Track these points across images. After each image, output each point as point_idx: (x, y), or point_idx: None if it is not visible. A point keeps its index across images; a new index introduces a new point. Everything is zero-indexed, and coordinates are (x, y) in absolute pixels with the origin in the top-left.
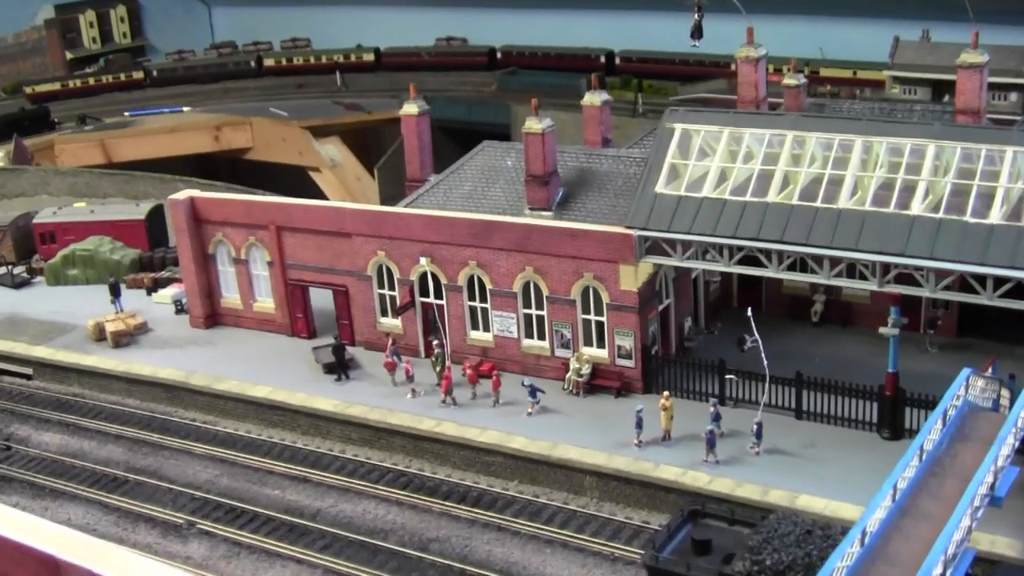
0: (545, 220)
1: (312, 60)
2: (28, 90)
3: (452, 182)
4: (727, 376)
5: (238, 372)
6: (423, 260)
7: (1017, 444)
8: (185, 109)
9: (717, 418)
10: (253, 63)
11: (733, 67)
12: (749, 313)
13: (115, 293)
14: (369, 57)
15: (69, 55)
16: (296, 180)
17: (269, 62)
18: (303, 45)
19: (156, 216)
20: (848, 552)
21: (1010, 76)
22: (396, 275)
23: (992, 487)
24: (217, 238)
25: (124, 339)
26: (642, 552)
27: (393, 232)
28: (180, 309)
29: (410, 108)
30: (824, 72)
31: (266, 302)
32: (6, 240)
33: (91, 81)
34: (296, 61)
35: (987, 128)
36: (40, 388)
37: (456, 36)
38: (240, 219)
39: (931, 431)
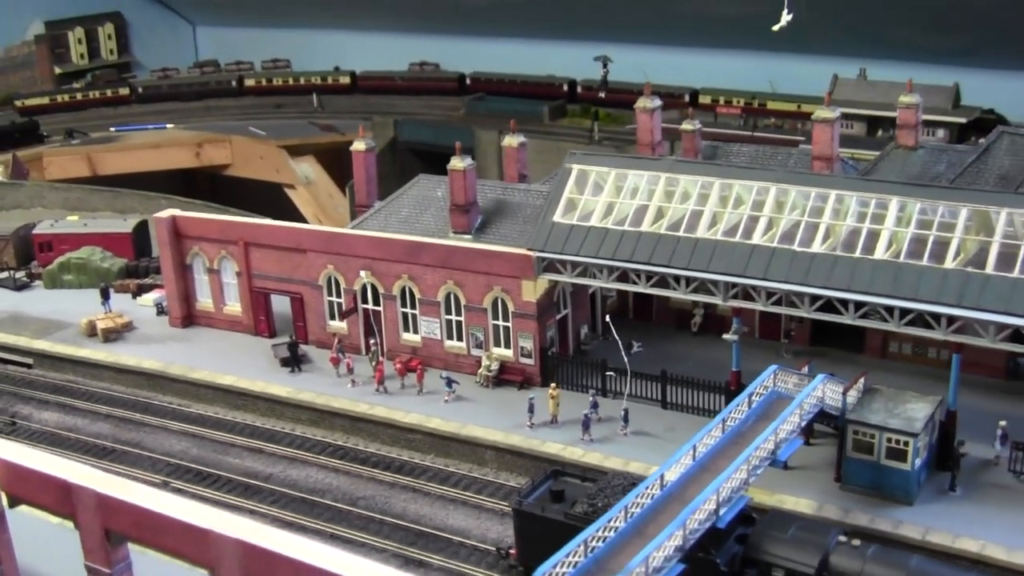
0: (465, 242)
1: (291, 81)
2: (18, 103)
3: (392, 208)
4: (607, 373)
5: (209, 364)
6: (363, 273)
7: (804, 423)
8: (168, 126)
9: (595, 406)
10: (234, 83)
11: (687, 98)
12: (608, 319)
13: (105, 296)
14: (345, 80)
15: (58, 70)
16: (272, 196)
17: (250, 82)
18: (283, 66)
19: (141, 229)
20: (646, 492)
21: (938, 114)
22: (342, 285)
23: (774, 452)
24: (194, 251)
25: (113, 335)
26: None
27: (341, 249)
28: (161, 311)
29: (359, 145)
30: (771, 105)
31: (234, 306)
32: (8, 248)
33: (79, 96)
34: (276, 82)
35: (818, 175)
36: (40, 375)
37: (429, 61)
38: (214, 235)
39: (734, 410)
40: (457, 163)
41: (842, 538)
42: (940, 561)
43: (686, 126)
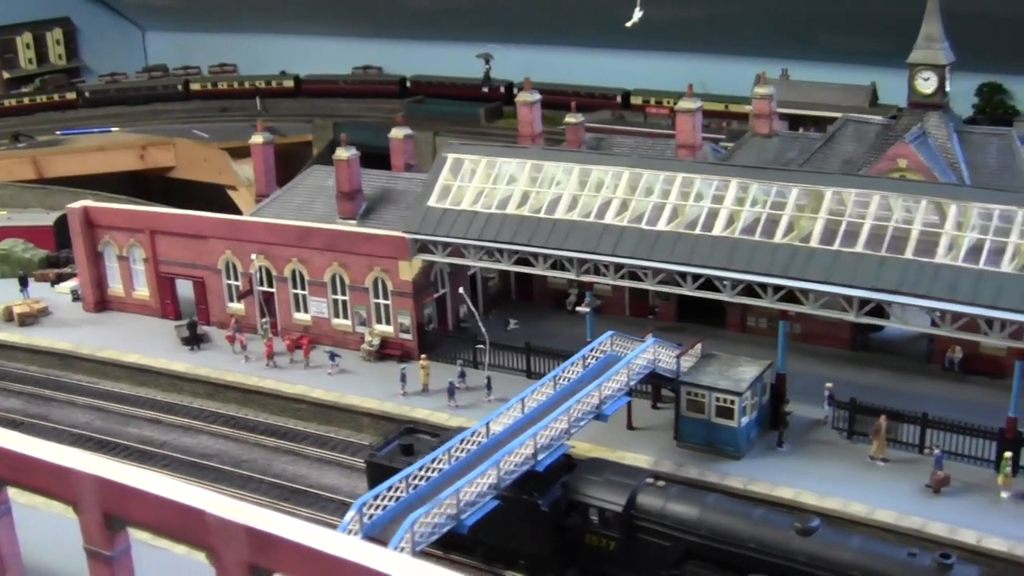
0: (349, 226)
1: (236, 85)
2: None
3: (287, 197)
4: (477, 346)
5: (118, 344)
6: (253, 256)
7: (633, 382)
8: (114, 129)
9: (463, 375)
10: (181, 87)
11: (619, 99)
12: (461, 290)
13: (23, 284)
14: (289, 84)
15: (6, 75)
16: (217, 197)
17: (196, 86)
18: (230, 70)
19: (63, 223)
20: (471, 438)
21: (856, 112)
22: (239, 269)
23: (599, 407)
24: (105, 239)
25: (29, 320)
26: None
27: (237, 235)
28: (76, 297)
29: (257, 139)
30: None
31: (143, 291)
32: None
33: (26, 101)
34: (221, 86)
35: (669, 160)
36: None
37: (373, 65)
38: (123, 224)
39: (567, 369)
40: (341, 153)
41: (649, 480)
42: (736, 499)
43: (569, 119)
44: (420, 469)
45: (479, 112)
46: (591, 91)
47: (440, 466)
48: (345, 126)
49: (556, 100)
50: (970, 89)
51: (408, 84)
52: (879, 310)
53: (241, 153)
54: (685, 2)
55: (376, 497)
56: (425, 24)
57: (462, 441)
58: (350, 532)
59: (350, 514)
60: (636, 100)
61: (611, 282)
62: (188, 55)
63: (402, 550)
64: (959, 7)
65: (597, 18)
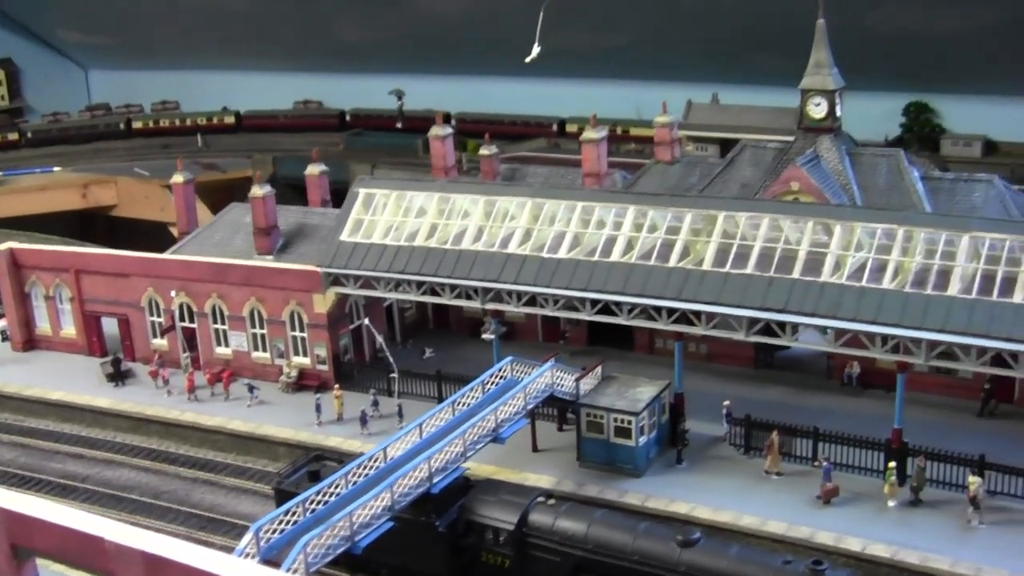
0: (265, 261)
1: (178, 122)
2: None
3: (207, 234)
4: (391, 375)
5: (44, 382)
6: (173, 293)
7: (531, 406)
8: (56, 169)
9: (376, 404)
10: (123, 125)
11: (555, 127)
12: (367, 322)
13: None
14: (230, 120)
15: None
16: (160, 234)
17: (138, 124)
18: (172, 107)
19: None
20: (369, 463)
21: (784, 134)
22: (162, 305)
23: (496, 430)
24: (32, 280)
25: None
26: None
27: (158, 273)
28: (4, 338)
29: (178, 178)
30: (633, 132)
31: (70, 329)
32: None
33: None
34: (163, 123)
35: (571, 189)
36: None
37: (313, 99)
38: (48, 264)
39: (466, 394)
40: (257, 191)
41: (540, 498)
42: (622, 514)
43: (484, 151)
44: (317, 493)
45: (417, 144)
46: (527, 120)
47: (338, 490)
48: (285, 160)
49: (494, 130)
50: (897, 108)
51: (347, 117)
52: (772, 329)
53: None
54: (608, 29)
55: (273, 521)
56: (361, 57)
57: (360, 466)
58: (247, 555)
59: (247, 537)
60: (572, 128)
61: (514, 309)
62: (131, 93)
63: (295, 571)
64: (885, 27)
65: (520, 50)
